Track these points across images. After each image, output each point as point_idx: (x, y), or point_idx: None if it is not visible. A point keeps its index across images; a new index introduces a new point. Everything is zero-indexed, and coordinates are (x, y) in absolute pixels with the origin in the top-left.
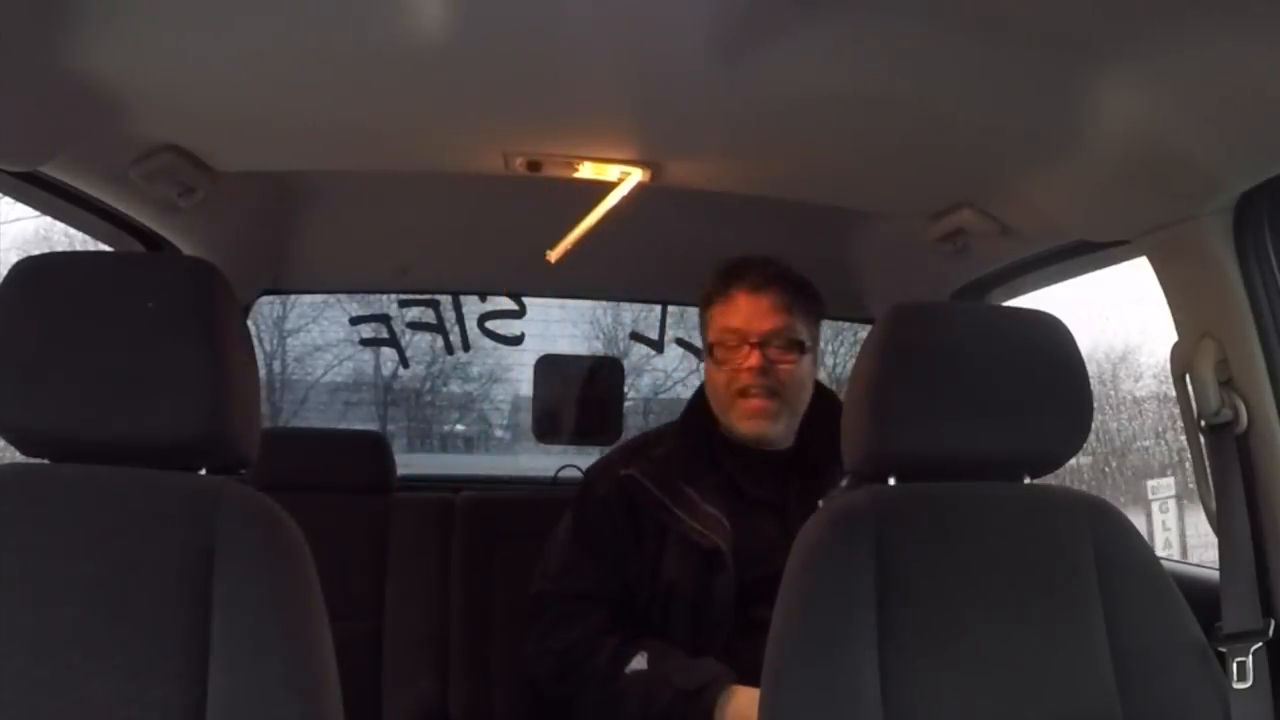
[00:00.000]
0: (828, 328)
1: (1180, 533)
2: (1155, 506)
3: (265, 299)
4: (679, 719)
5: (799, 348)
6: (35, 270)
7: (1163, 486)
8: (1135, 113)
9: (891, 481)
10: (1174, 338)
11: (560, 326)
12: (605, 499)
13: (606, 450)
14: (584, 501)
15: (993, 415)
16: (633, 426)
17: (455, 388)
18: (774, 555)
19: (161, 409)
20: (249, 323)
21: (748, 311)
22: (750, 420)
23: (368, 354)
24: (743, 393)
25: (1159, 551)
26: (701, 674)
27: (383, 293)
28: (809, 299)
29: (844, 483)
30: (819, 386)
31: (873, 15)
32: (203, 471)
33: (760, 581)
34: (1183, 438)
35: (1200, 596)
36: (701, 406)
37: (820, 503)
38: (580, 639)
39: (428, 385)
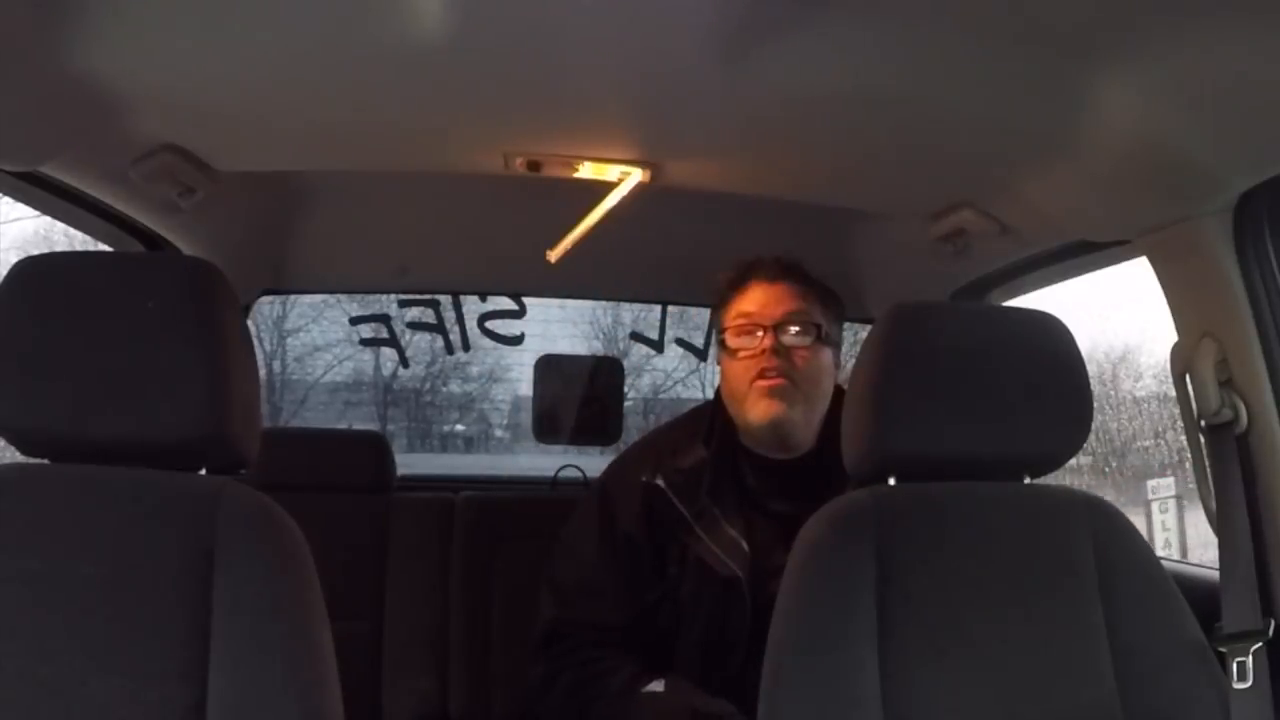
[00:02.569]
0: None
1: (1180, 533)
2: (1155, 506)
3: (265, 299)
4: None
5: (817, 332)
6: (35, 270)
7: (1163, 486)
8: (1135, 113)
9: (891, 481)
10: (1174, 338)
11: (560, 326)
12: (630, 512)
13: (606, 451)
14: (606, 513)
15: (993, 415)
16: (632, 427)
17: (455, 388)
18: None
19: (161, 409)
20: (249, 323)
21: (762, 298)
22: (766, 401)
23: (368, 354)
24: (760, 375)
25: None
26: (720, 706)
27: (383, 293)
28: (828, 294)
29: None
30: (839, 390)
31: (873, 15)
32: (203, 471)
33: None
34: (1183, 438)
35: (1200, 596)
36: (722, 414)
37: None
38: (597, 671)
39: (428, 385)
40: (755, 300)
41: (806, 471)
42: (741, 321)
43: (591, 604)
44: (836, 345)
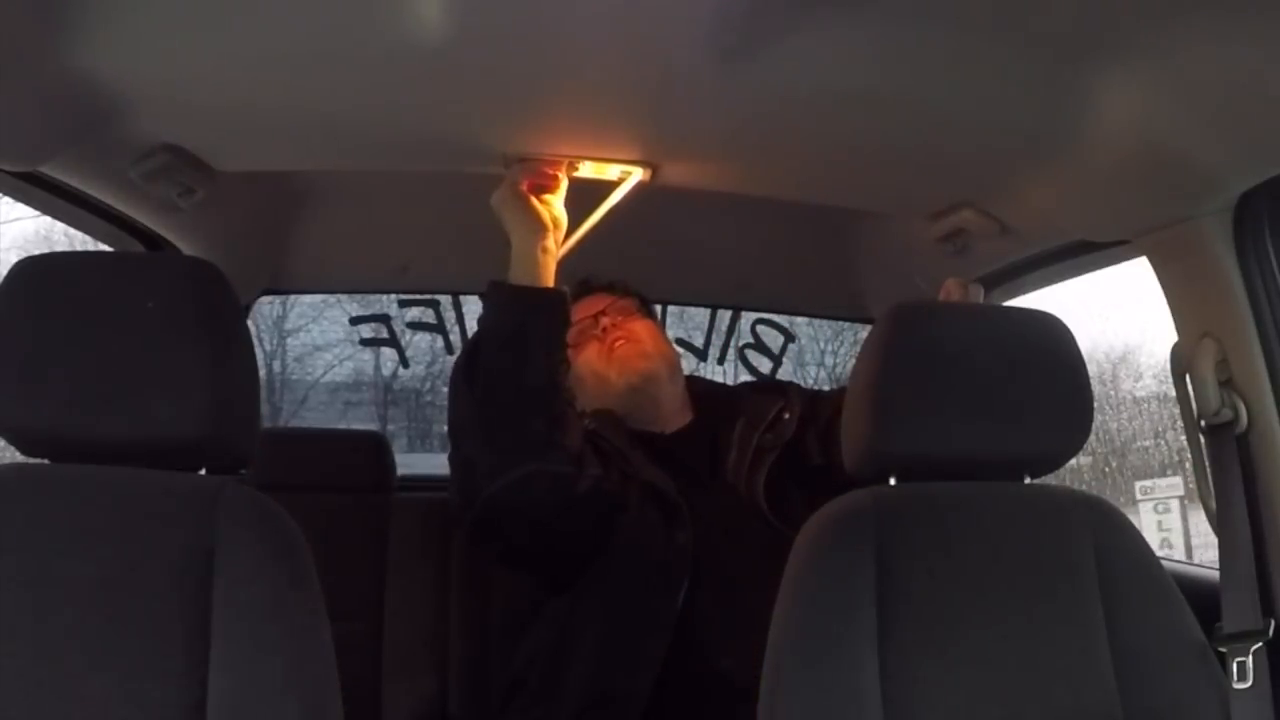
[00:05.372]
0: (828, 327)
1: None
2: (1146, 507)
3: (265, 299)
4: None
5: (631, 306)
6: (35, 270)
7: (1157, 487)
8: (1135, 113)
9: (892, 481)
10: (1174, 338)
11: None
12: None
13: None
14: None
15: (993, 415)
16: None
17: None
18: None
19: (161, 409)
20: (249, 323)
21: (581, 307)
22: (624, 362)
23: (368, 354)
24: (608, 343)
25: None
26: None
27: (383, 293)
28: (625, 291)
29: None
30: (688, 378)
31: (873, 15)
32: (203, 471)
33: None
34: (1183, 438)
35: (1200, 596)
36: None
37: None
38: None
39: (428, 385)
40: (577, 311)
41: (689, 445)
42: (575, 325)
43: None
44: (655, 319)
